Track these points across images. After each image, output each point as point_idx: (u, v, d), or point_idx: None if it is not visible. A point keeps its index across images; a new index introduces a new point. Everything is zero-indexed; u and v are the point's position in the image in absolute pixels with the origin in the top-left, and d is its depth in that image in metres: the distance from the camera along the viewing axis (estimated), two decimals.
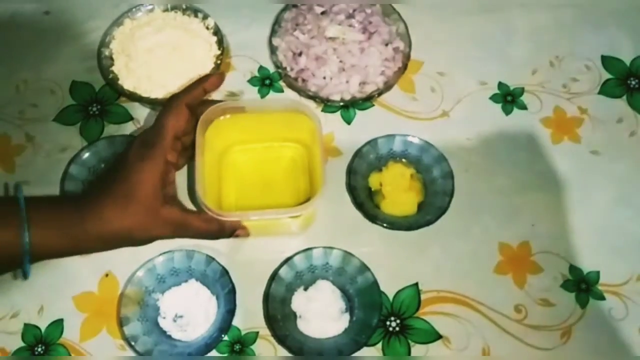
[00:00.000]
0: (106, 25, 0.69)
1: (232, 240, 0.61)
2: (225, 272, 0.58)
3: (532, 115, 0.69)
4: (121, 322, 0.56)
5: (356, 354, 0.56)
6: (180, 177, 0.64)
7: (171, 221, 0.51)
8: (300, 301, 0.59)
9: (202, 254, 0.59)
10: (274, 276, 0.59)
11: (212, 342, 0.55)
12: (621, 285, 0.61)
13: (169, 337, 0.58)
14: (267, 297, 0.58)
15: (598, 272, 0.61)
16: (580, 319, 0.59)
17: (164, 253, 0.59)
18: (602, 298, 0.60)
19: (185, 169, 0.64)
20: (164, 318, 0.58)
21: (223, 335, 0.56)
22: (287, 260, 0.59)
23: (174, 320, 0.58)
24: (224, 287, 0.58)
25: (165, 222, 0.51)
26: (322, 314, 0.58)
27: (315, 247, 0.59)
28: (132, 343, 0.55)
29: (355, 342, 0.56)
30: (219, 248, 0.61)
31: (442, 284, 0.60)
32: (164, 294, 0.59)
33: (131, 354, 0.56)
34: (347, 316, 0.59)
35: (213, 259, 0.59)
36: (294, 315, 0.59)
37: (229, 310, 0.57)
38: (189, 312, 0.58)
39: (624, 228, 0.63)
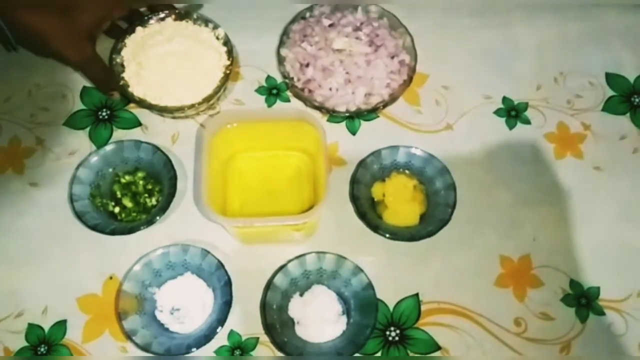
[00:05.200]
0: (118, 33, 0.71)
1: (233, 245, 0.62)
2: (220, 265, 0.59)
3: (535, 130, 0.69)
4: (120, 317, 0.57)
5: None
6: (187, 183, 0.65)
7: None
8: (297, 307, 0.59)
9: (197, 248, 0.60)
10: (269, 285, 0.59)
11: (210, 334, 0.56)
12: (621, 301, 0.61)
13: (167, 329, 0.59)
14: (264, 306, 0.58)
15: (598, 288, 0.61)
16: (580, 334, 0.59)
17: (160, 248, 0.60)
18: (602, 313, 0.60)
19: (191, 175, 0.66)
20: (161, 311, 0.59)
21: (220, 327, 0.56)
22: (281, 267, 0.60)
23: (171, 313, 0.59)
24: (220, 279, 0.59)
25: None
26: (319, 318, 0.59)
27: (308, 253, 0.60)
28: (132, 337, 0.56)
29: (354, 343, 0.57)
30: (214, 243, 0.62)
31: (442, 296, 0.61)
32: (161, 288, 0.60)
33: (133, 349, 0.57)
34: (344, 319, 0.59)
35: (208, 252, 0.60)
36: (292, 321, 0.59)
37: (226, 301, 0.57)
38: (186, 305, 0.59)
39: (625, 244, 0.63)
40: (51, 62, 0.71)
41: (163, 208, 0.61)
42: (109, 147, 0.64)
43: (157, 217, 0.60)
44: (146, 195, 0.63)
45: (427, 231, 0.61)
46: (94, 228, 0.60)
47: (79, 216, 0.61)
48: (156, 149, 0.64)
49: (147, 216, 0.62)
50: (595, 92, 0.72)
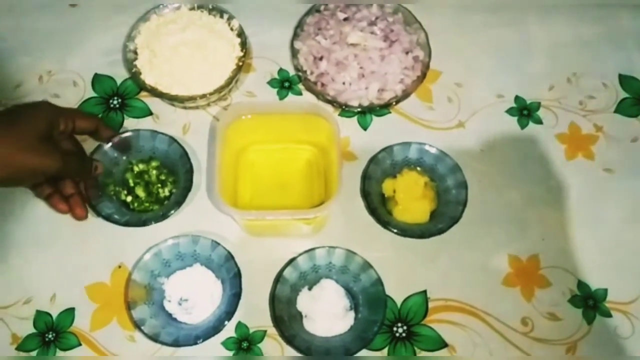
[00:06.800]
0: (131, 21, 0.70)
1: (243, 237, 0.62)
2: (230, 257, 0.59)
3: (547, 130, 0.69)
4: (129, 306, 0.58)
5: (363, 355, 0.57)
6: (198, 174, 0.65)
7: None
8: (305, 301, 0.60)
9: (207, 239, 0.60)
10: (279, 277, 0.59)
11: (218, 325, 0.56)
12: (629, 303, 0.61)
13: (175, 319, 0.59)
14: (273, 299, 0.59)
15: (606, 290, 0.61)
16: (586, 335, 0.60)
17: (170, 238, 0.60)
18: (609, 315, 0.61)
19: (203, 165, 0.65)
20: (170, 301, 0.59)
21: (228, 319, 0.56)
22: (291, 261, 0.60)
23: (179, 304, 0.60)
24: (229, 271, 0.59)
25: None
26: (327, 312, 0.59)
27: (318, 247, 0.60)
28: (140, 326, 0.56)
29: (362, 339, 0.57)
30: (225, 234, 0.62)
31: (450, 293, 0.61)
32: (169, 278, 0.60)
33: (141, 338, 0.57)
34: (352, 314, 0.59)
35: (218, 244, 0.60)
36: (300, 315, 0.59)
37: (235, 293, 0.57)
38: (194, 296, 0.59)
39: (634, 247, 0.64)
40: (62, 48, 0.71)
41: (178, 202, 0.61)
42: (124, 135, 0.64)
43: (172, 211, 0.60)
44: (159, 185, 0.63)
45: (437, 228, 0.61)
46: (107, 218, 0.60)
47: (91, 204, 0.61)
48: (172, 140, 0.63)
49: (160, 207, 0.62)
50: (608, 94, 0.71)
